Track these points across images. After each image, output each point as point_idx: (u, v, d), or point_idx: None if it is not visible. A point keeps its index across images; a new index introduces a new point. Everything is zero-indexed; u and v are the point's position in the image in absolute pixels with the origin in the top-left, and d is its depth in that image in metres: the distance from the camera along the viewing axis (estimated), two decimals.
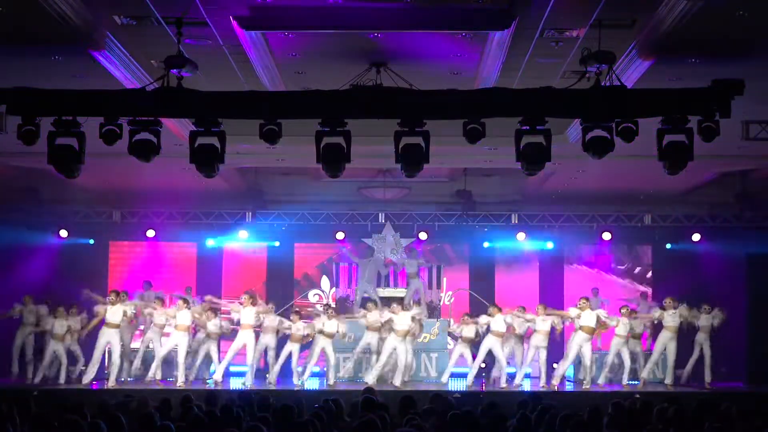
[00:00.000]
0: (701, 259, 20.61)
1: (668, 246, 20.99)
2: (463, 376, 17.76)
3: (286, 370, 17.82)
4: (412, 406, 9.32)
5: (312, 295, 21.25)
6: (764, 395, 15.52)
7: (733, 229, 19.96)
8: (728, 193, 19.22)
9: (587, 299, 17.63)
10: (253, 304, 17.55)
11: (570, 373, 18.33)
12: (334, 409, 9.22)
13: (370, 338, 17.53)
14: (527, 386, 17.87)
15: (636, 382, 17.89)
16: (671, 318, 17.67)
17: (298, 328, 17.54)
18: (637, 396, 12.70)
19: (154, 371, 17.46)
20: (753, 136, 14.38)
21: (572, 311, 17.44)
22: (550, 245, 21.17)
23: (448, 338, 18.73)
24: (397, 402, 9.58)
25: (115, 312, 17.09)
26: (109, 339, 17.12)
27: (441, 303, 20.35)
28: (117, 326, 17.16)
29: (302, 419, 8.15)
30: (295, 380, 17.47)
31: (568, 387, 18.12)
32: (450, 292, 20.80)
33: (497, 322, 17.34)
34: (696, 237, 20.44)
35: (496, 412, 8.91)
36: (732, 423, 8.85)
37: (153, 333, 17.77)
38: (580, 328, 17.20)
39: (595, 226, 20.59)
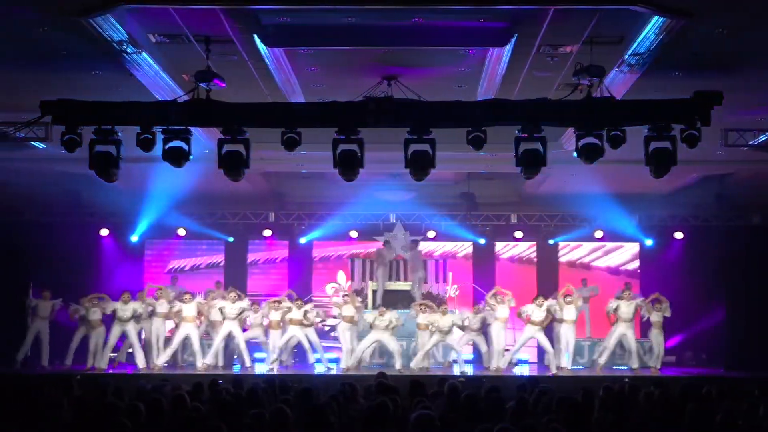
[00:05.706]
0: (684, 254, 20.49)
1: (651, 243, 20.86)
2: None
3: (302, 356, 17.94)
4: (421, 390, 9.28)
5: (329, 288, 21.19)
6: (741, 379, 15.44)
7: (713, 228, 19.90)
8: (709, 195, 19.14)
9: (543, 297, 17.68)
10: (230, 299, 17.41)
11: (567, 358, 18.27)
12: (350, 392, 9.19)
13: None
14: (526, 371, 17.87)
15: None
16: (626, 307, 17.56)
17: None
18: (626, 380, 12.59)
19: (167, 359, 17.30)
20: (731, 142, 14.38)
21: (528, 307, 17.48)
22: (548, 242, 21.10)
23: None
24: (407, 386, 9.55)
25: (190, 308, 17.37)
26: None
27: (447, 295, 20.25)
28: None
29: (321, 401, 8.11)
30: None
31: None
32: (456, 285, 20.73)
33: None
34: (679, 235, 20.41)
35: (497, 395, 8.85)
36: (712, 404, 8.79)
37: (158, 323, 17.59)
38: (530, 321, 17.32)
39: (587, 225, 20.56)
